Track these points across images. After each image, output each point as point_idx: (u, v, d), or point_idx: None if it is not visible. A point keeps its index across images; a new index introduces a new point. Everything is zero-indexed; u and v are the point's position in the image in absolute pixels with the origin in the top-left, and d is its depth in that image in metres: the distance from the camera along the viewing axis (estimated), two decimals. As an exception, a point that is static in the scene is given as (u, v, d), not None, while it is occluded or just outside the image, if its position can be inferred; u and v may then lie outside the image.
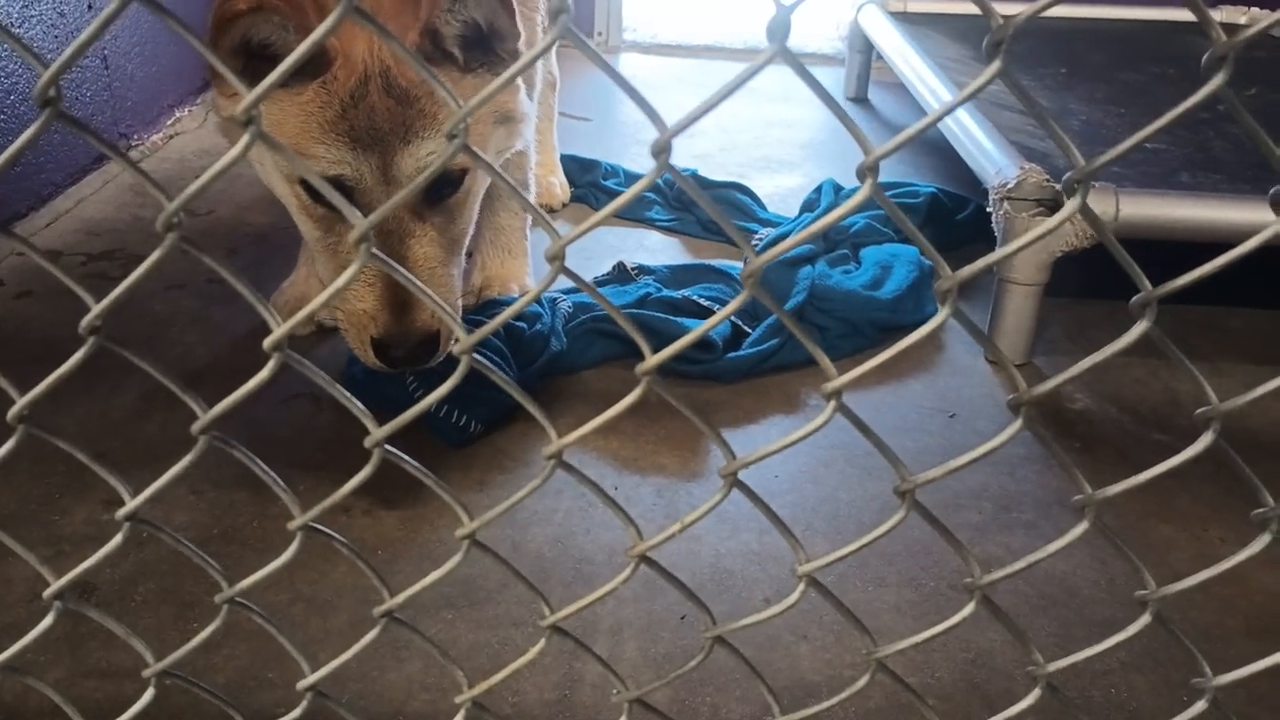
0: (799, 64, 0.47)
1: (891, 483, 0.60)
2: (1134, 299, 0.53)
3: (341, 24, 0.45)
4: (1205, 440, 0.57)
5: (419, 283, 0.55)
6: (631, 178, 2.23)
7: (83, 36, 0.48)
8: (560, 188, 2.14)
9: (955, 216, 2.04)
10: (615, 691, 0.69)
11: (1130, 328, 0.53)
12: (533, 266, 1.88)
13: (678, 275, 1.78)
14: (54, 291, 1.69)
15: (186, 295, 1.71)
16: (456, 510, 0.61)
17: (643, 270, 1.79)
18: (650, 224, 2.06)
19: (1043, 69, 2.24)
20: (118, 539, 0.64)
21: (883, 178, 0.50)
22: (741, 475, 0.59)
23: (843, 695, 0.69)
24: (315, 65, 1.19)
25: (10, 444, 0.61)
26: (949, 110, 0.48)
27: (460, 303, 1.38)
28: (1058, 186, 1.54)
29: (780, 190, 2.24)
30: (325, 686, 0.70)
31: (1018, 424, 0.56)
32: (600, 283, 1.77)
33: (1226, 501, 1.32)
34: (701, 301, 1.67)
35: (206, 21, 1.16)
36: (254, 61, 1.16)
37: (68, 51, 0.48)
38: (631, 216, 2.07)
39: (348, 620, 1.09)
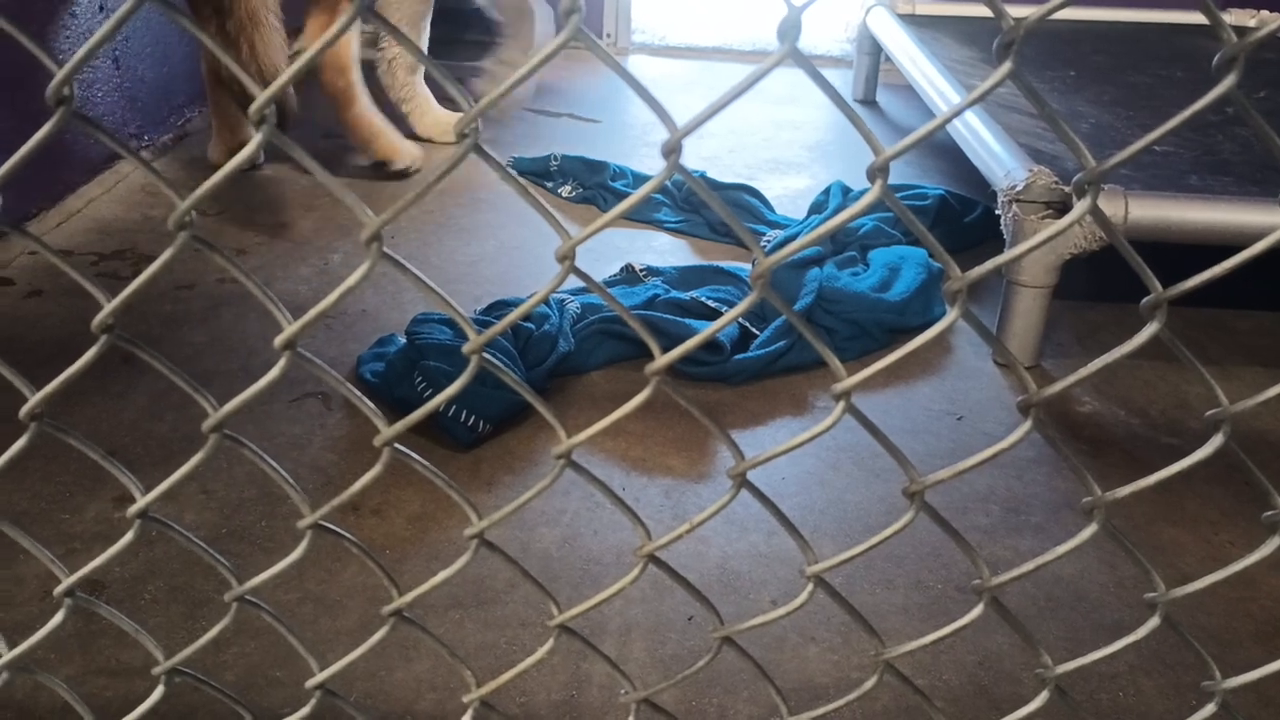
0: (809, 64, 0.47)
1: (899, 485, 0.60)
2: (1144, 300, 0.53)
3: None
4: (1215, 442, 0.57)
5: (424, 277, 0.55)
6: (640, 179, 2.23)
7: (95, 37, 0.48)
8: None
9: (964, 219, 2.03)
10: (623, 692, 0.69)
11: (1139, 330, 0.53)
12: (543, 267, 1.89)
13: (686, 277, 1.78)
14: (65, 291, 1.69)
15: (196, 295, 1.71)
16: (466, 510, 0.61)
17: (651, 271, 1.79)
18: (659, 225, 2.06)
19: (1051, 72, 2.24)
20: (128, 536, 0.64)
21: (891, 180, 0.50)
22: (749, 477, 0.60)
23: (850, 696, 0.69)
24: None
25: (22, 441, 0.61)
26: (959, 111, 0.48)
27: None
28: (1067, 189, 1.54)
29: (789, 192, 2.24)
30: (334, 685, 0.71)
31: (1027, 425, 0.56)
32: (609, 284, 1.77)
33: (1236, 504, 1.32)
34: (710, 303, 1.67)
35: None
36: None
37: (80, 51, 0.49)
38: (640, 218, 2.07)
39: (356, 619, 1.10)
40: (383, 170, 2.17)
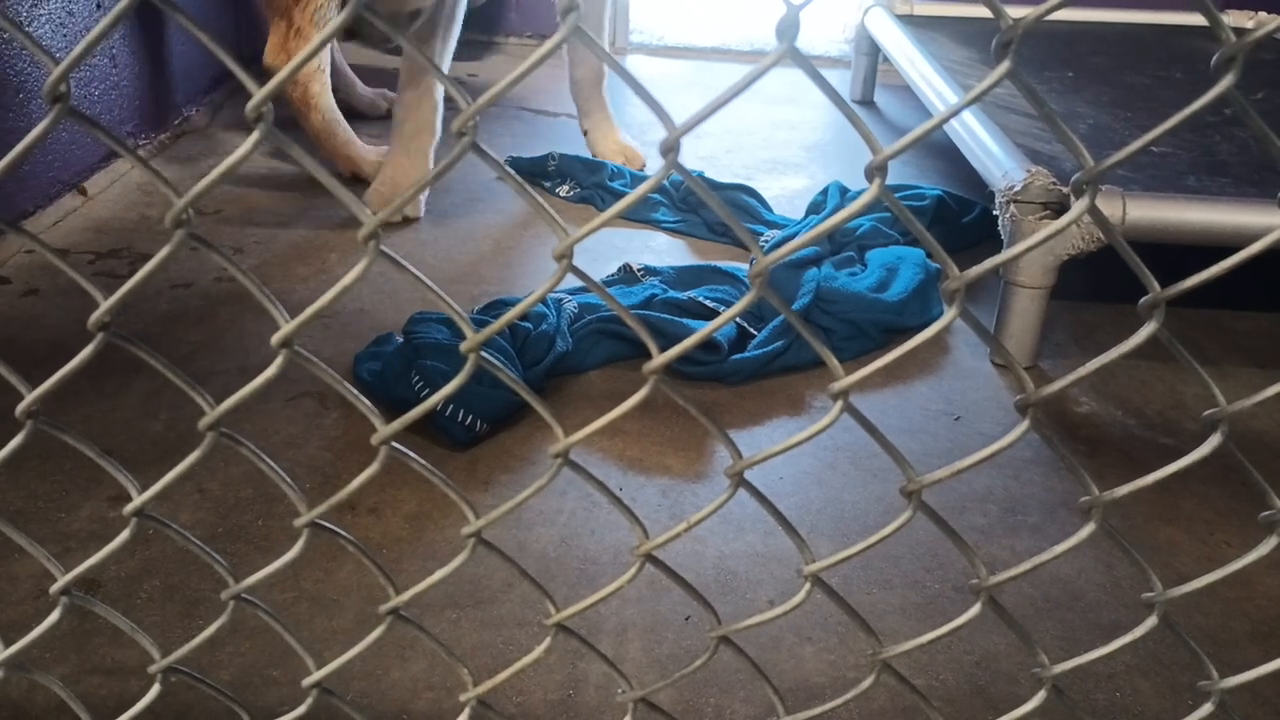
0: (807, 63, 0.47)
1: (897, 485, 0.60)
2: (1142, 300, 0.53)
3: None
4: (1213, 442, 0.57)
5: (421, 276, 0.55)
6: (638, 179, 2.23)
7: (92, 34, 0.48)
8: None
9: (961, 219, 2.03)
10: (620, 691, 0.69)
11: (1136, 330, 0.53)
12: (541, 267, 1.89)
13: (683, 276, 1.78)
14: (61, 290, 1.69)
15: (193, 294, 1.71)
16: (463, 508, 0.61)
17: (649, 271, 1.79)
18: (656, 225, 2.06)
19: (1049, 72, 2.24)
20: (124, 535, 0.64)
21: (889, 180, 0.50)
22: (747, 476, 0.59)
23: (847, 696, 0.69)
24: None
25: (18, 440, 0.61)
26: (957, 111, 0.48)
27: None
28: (1065, 189, 1.54)
29: (786, 192, 2.24)
30: (330, 684, 0.70)
31: (1025, 425, 0.56)
32: (606, 284, 1.77)
33: (1232, 504, 1.32)
34: (707, 303, 1.67)
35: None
36: None
37: (77, 49, 0.49)
38: (638, 218, 2.07)
39: (353, 618, 1.09)
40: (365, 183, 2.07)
